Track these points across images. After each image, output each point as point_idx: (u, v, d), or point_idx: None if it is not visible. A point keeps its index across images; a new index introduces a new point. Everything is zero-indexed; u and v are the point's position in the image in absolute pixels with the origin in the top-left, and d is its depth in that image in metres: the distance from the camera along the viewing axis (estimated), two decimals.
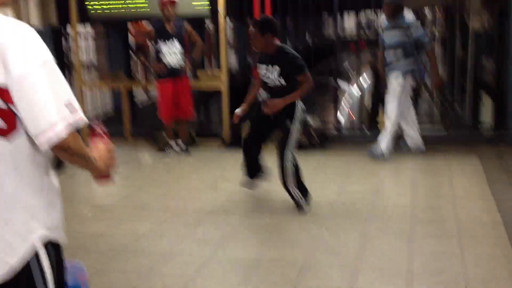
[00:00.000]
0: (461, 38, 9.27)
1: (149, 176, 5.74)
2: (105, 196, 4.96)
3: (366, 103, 9.08)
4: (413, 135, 6.04)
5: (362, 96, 10.08)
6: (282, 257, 3.56)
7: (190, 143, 6.77)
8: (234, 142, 6.63)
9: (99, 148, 1.79)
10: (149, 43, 6.43)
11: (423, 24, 15.03)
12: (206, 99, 8.31)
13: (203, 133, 7.22)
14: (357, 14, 13.14)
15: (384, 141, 5.88)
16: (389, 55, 5.92)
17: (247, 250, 3.72)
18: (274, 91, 4.40)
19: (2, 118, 1.53)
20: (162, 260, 3.60)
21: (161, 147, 6.59)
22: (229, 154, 6.44)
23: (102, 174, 1.81)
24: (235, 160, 6.10)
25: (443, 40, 11.51)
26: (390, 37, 5.91)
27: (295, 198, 4.39)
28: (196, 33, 6.50)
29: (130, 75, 8.58)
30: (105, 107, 9.16)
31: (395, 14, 5.84)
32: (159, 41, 6.15)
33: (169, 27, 6.15)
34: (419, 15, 15.80)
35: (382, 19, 6.23)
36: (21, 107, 1.51)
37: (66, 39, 7.90)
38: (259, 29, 4.26)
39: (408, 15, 6.01)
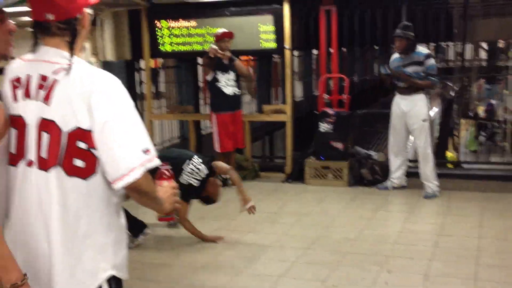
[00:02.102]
0: None
1: (209, 208, 5.78)
2: (165, 226, 5.03)
3: (433, 135, 8.83)
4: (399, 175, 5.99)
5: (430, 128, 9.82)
6: None
7: (253, 175, 6.84)
8: (296, 175, 6.62)
9: (164, 188, 1.85)
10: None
11: (495, 55, 14.60)
12: (271, 133, 8.38)
13: (266, 166, 7.28)
14: (427, 43, 12.90)
15: (432, 179, 5.74)
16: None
17: None
18: None
19: (83, 160, 1.63)
20: None
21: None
22: (290, 186, 6.43)
23: (166, 213, 1.90)
24: (295, 193, 6.10)
25: None
26: (407, 74, 5.71)
27: None
28: (247, 66, 6.61)
29: (197, 108, 8.80)
30: (172, 135, 9.40)
31: (408, 49, 5.68)
32: (217, 71, 6.30)
33: (225, 60, 6.29)
34: (493, 46, 15.36)
35: (392, 56, 5.97)
36: (102, 151, 1.61)
37: (138, 72, 8.24)
38: None
39: (421, 48, 5.86)
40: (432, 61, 5.73)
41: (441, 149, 7.23)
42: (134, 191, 1.65)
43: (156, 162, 1.67)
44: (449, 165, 7.03)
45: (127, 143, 1.62)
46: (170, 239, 4.77)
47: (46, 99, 1.65)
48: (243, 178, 6.66)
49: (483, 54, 15.71)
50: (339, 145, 6.42)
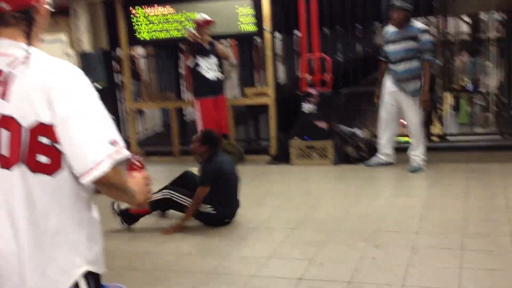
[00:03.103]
0: None
1: None
2: (152, 214, 4.99)
3: None
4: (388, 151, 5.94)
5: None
6: (328, 275, 3.47)
7: (239, 159, 6.80)
8: (281, 156, 6.59)
9: (136, 179, 1.79)
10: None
11: (478, 28, 14.60)
12: (255, 115, 8.33)
13: (251, 149, 7.24)
14: None
15: (418, 152, 5.71)
16: (400, 69, 5.64)
17: (292, 268, 3.64)
18: None
19: (47, 156, 1.55)
20: (206, 279, 3.58)
21: None
22: (276, 168, 6.39)
23: (139, 204, 1.83)
24: (280, 175, 6.07)
25: (500, 44, 11.06)
26: (401, 49, 5.60)
27: None
28: (228, 49, 6.59)
29: (179, 95, 8.73)
30: (155, 124, 9.34)
31: (404, 22, 5.54)
32: (197, 56, 6.24)
33: (205, 44, 6.26)
34: (474, 19, 15.31)
35: (386, 30, 5.85)
36: (66, 146, 1.53)
37: (117, 61, 8.13)
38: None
39: (416, 22, 5.69)
40: (427, 36, 5.56)
41: (426, 123, 7.20)
42: (103, 185, 1.59)
43: (125, 153, 1.60)
44: (434, 138, 7.02)
45: (93, 136, 1.54)
46: (153, 227, 4.71)
47: (3, 94, 1.56)
48: None
49: (464, 28, 15.66)
50: (323, 125, 6.39)
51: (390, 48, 5.71)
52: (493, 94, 8.09)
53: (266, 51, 6.96)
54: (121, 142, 1.59)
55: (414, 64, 5.60)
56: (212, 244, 4.21)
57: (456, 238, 3.85)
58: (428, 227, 4.14)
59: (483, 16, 14.26)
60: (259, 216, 4.74)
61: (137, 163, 1.84)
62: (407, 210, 4.60)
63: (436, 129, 6.81)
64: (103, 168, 1.53)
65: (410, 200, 4.92)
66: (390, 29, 5.76)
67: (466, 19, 15.87)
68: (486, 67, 11.21)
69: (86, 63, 7.38)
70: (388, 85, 5.81)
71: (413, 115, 5.68)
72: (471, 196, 4.75)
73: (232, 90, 10.99)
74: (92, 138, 1.54)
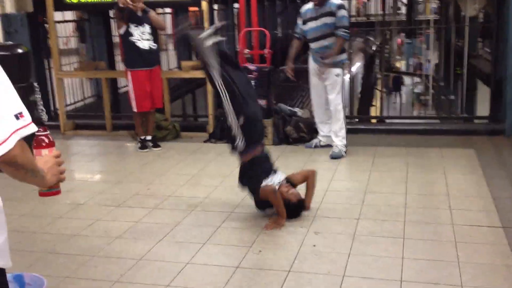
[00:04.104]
0: (456, 25, 9.02)
1: (127, 171, 5.45)
2: (79, 192, 4.67)
3: (357, 91, 8.80)
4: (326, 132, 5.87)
5: (353, 84, 9.78)
6: (267, 263, 3.30)
7: (174, 136, 6.55)
8: (218, 134, 6.36)
9: (44, 158, 1.60)
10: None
11: (413, 9, 14.75)
12: (192, 90, 8.04)
13: (189, 125, 6.98)
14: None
15: (340, 137, 5.63)
16: (320, 46, 5.55)
17: (229, 255, 3.45)
18: None
19: None
20: (136, 266, 3.33)
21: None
22: (212, 146, 6.17)
23: (50, 186, 1.64)
24: (217, 154, 5.84)
25: (438, 27, 11.25)
26: (319, 26, 5.50)
27: None
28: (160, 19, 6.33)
29: (112, 65, 8.28)
30: (86, 95, 8.85)
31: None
32: (130, 24, 5.88)
33: (138, 12, 5.91)
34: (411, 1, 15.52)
35: (303, 8, 5.71)
36: None
37: (44, 26, 7.56)
38: None
39: None
40: (343, 12, 5.47)
41: (364, 104, 7.17)
42: (8, 164, 1.36)
43: (32, 128, 1.39)
44: (373, 120, 7.01)
45: None
46: (82, 206, 4.40)
47: None
48: (163, 139, 6.36)
49: (402, 9, 15.88)
50: (262, 102, 6.18)
51: (309, 25, 5.59)
52: (430, 77, 8.17)
53: (204, 22, 6.65)
54: (27, 116, 1.39)
55: (334, 39, 5.51)
56: (145, 227, 3.95)
57: (397, 226, 3.78)
58: (369, 213, 4.05)
59: None
60: (194, 198, 4.50)
61: (46, 140, 1.65)
62: (347, 195, 4.50)
63: (374, 111, 6.79)
64: (9, 145, 1.32)
65: (350, 184, 4.84)
66: (307, 6, 5.65)
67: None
68: (422, 49, 11.37)
69: (7, 25, 6.78)
70: (311, 64, 5.75)
71: (334, 94, 5.61)
72: (412, 182, 4.70)
73: (168, 62, 10.61)
74: None
